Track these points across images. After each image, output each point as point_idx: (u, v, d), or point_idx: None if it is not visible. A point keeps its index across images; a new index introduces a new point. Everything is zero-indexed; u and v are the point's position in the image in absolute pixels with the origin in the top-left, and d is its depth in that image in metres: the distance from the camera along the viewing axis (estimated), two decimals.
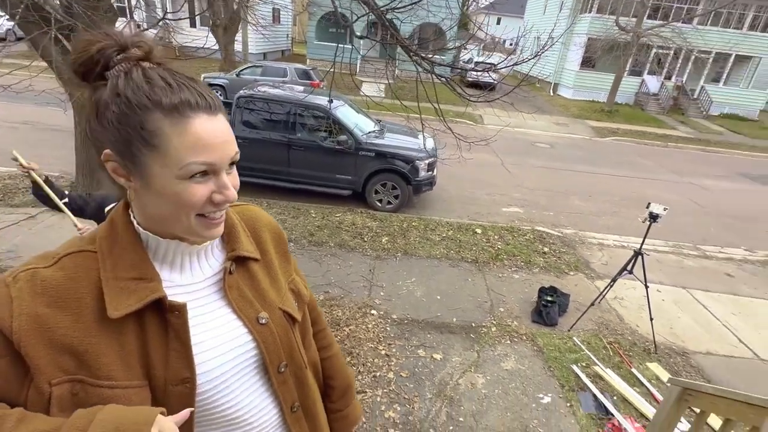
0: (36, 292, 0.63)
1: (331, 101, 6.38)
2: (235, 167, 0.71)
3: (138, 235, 0.71)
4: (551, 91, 22.12)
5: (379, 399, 2.96)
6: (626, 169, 10.73)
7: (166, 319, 0.69)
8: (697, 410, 1.88)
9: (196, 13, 11.17)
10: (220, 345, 0.74)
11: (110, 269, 0.67)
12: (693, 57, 19.87)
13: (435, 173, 6.54)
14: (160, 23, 4.14)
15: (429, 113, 3.91)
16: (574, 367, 3.47)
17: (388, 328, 3.72)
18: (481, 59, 18.12)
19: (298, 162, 6.31)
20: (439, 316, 3.98)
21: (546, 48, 3.31)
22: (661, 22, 17.51)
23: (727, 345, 4.11)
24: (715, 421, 2.92)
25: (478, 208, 6.93)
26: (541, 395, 3.19)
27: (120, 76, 0.62)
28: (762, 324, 4.53)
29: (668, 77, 20.75)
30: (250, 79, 11.59)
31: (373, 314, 3.88)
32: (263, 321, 0.78)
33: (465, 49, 4.75)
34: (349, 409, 1.09)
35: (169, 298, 0.69)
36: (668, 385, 2.03)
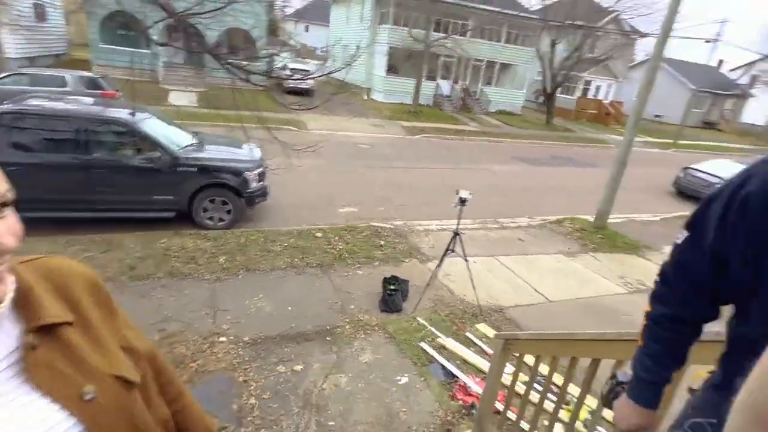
0: None
1: (133, 114, 5.60)
2: (10, 209, 0.57)
3: None
4: (365, 95, 23.78)
5: (244, 430, 2.76)
6: (436, 161, 12.29)
7: None
8: (517, 354, 2.31)
9: None
10: None
11: None
12: (471, 64, 23.94)
13: (267, 183, 6.36)
14: None
15: (249, 121, 3.78)
16: (422, 344, 3.85)
17: (241, 353, 3.49)
18: (295, 66, 18.33)
19: (100, 186, 5.35)
20: (294, 326, 3.92)
21: (355, 58, 3.56)
22: (444, 35, 20.59)
23: (527, 296, 5.11)
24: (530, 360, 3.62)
25: (316, 213, 7.02)
26: (398, 377, 3.44)
27: None
28: (545, 274, 5.77)
29: (456, 81, 24.53)
30: (15, 91, 9.26)
31: (222, 342, 3.58)
32: (89, 397, 0.64)
33: (278, 56, 4.74)
34: None
35: None
36: (494, 339, 2.43)
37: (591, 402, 1.90)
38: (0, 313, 0.61)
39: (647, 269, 6.38)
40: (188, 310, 3.95)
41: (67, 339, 0.66)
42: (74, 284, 0.73)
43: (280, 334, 3.78)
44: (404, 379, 3.42)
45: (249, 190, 6.00)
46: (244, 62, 3.59)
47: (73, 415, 0.63)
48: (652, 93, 7.23)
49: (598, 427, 2.77)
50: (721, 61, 34.75)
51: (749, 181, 0.84)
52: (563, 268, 6.06)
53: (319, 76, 3.69)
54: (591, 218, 7.86)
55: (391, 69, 22.79)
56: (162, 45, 3.16)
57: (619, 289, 5.60)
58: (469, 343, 3.97)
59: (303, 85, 16.72)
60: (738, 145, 24.97)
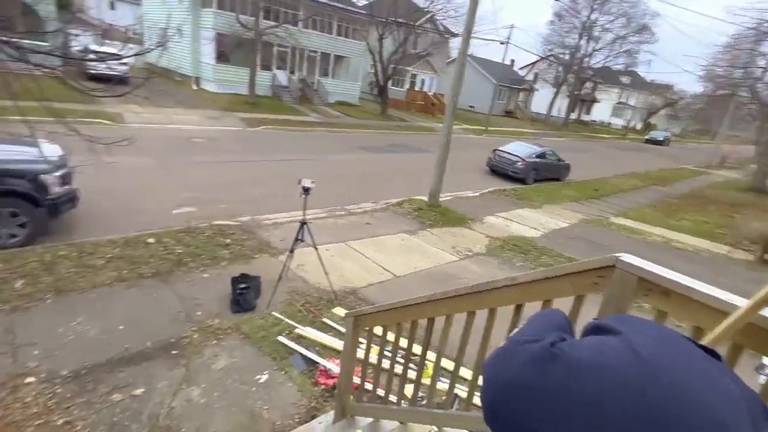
0: None
1: None
2: None
3: None
4: (194, 85, 21.69)
5: None
6: (280, 153, 12.02)
7: None
8: (367, 329, 2.46)
9: None
10: None
11: None
12: (306, 55, 23.88)
13: (74, 187, 5.33)
14: None
15: (40, 114, 3.09)
16: (280, 338, 3.79)
17: (59, 391, 2.91)
18: (101, 49, 15.58)
19: None
20: (129, 347, 3.43)
21: (168, 38, 3.22)
22: (275, 23, 20.02)
23: (377, 275, 5.45)
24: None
25: (147, 217, 6.19)
26: (258, 376, 3.33)
27: None
28: (392, 252, 6.23)
29: (293, 72, 24.19)
30: None
31: (29, 383, 2.93)
32: None
33: (73, 35, 4.00)
34: None
35: None
36: (345, 318, 2.54)
37: (431, 357, 2.15)
38: None
39: (473, 238, 7.42)
40: None
41: None
42: None
43: (111, 359, 3.27)
44: (264, 377, 3.33)
45: (49, 197, 4.94)
46: (19, 38, 2.90)
47: None
48: (464, 86, 8.35)
49: (442, 378, 3.16)
50: (513, 61, 41.83)
51: None
52: (406, 245, 6.62)
53: (129, 56, 3.23)
54: (426, 198, 8.74)
55: (222, 57, 21.25)
56: None
57: (452, 257, 6.39)
58: (327, 329, 4.06)
59: (113, 72, 14.36)
60: (530, 130, 30.61)
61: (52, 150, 5.24)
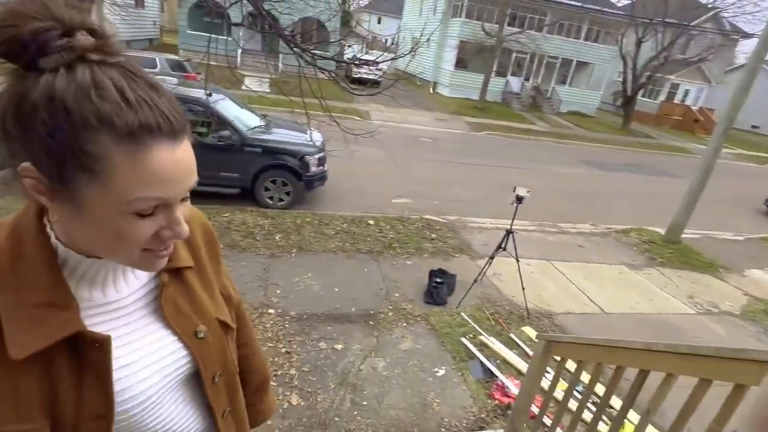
0: None
1: (210, 94, 5.98)
2: (188, 195, 0.61)
3: (53, 250, 0.57)
4: (431, 89, 23.59)
5: (281, 396, 2.90)
6: (499, 159, 11.95)
7: (82, 352, 0.57)
8: (558, 358, 2.21)
9: None
10: (151, 364, 0.66)
11: (12, 293, 0.53)
12: (545, 61, 22.90)
13: (326, 168, 6.55)
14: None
15: (315, 108, 3.89)
16: (463, 340, 3.81)
17: (287, 326, 3.65)
18: (365, 57, 18.53)
19: None
20: (338, 307, 4.03)
21: (419, 45, 3.54)
22: (519, 29, 19.83)
23: (581, 304, 4.86)
24: (572, 366, 3.46)
25: (370, 201, 7.12)
26: (436, 369, 3.43)
27: (59, 73, 0.46)
28: (604, 284, 5.45)
29: (527, 78, 23.59)
30: None
31: (270, 313, 3.77)
32: (201, 335, 0.72)
33: (348, 46, 4.84)
34: (262, 404, 1.08)
35: (89, 327, 0.58)
36: (536, 341, 2.35)
37: (633, 417, 1.78)
38: None
39: (723, 291, 5.81)
40: (243, 281, 4.19)
41: (188, 280, 0.74)
42: (197, 233, 0.79)
43: (325, 313, 3.90)
44: (441, 372, 3.41)
45: (308, 174, 6.22)
46: (313, 48, 3.71)
47: (187, 349, 0.70)
48: (748, 100, 6.52)
49: None
50: None
51: None
52: (625, 279, 5.68)
53: (383, 62, 3.72)
54: (662, 231, 7.28)
55: (460, 63, 22.38)
56: (236, 25, 3.33)
57: (686, 308, 5.15)
58: (512, 345, 3.86)
59: (370, 76, 16.92)
60: None
61: (316, 137, 6.57)
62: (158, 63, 11.88)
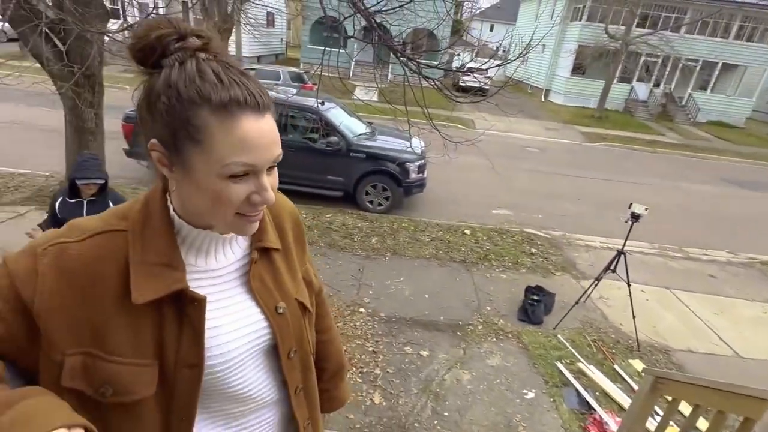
0: (62, 270, 0.65)
1: (322, 103, 6.44)
2: (276, 168, 0.72)
3: (171, 221, 0.71)
4: (543, 97, 22.40)
5: (364, 394, 2.99)
6: (615, 173, 10.89)
7: (183, 308, 0.70)
8: (669, 398, 1.94)
9: (190, 13, 11.18)
10: (237, 329, 0.76)
11: (140, 252, 0.67)
12: (681, 65, 20.24)
13: (425, 175, 6.61)
14: (150, 19, 4.17)
15: (419, 116, 3.96)
16: (558, 364, 3.54)
17: (375, 326, 3.76)
18: (473, 65, 18.30)
19: (288, 163, 6.32)
20: (427, 314, 4.03)
21: (529, 49, 3.39)
22: (650, 30, 17.83)
23: (708, 343, 4.20)
24: (686, 408, 2.99)
25: (468, 210, 7.00)
26: (525, 391, 3.24)
27: (174, 67, 0.61)
28: (741, 322, 4.63)
29: (657, 84, 21.09)
30: None
31: (361, 312, 3.92)
32: (281, 311, 0.81)
33: (456, 55, 4.84)
34: (337, 391, 1.13)
35: (192, 288, 0.70)
36: (643, 375, 2.09)
37: None
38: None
39: None
40: (338, 279, 4.42)
41: (274, 261, 0.84)
42: (286, 219, 0.90)
43: (413, 318, 3.93)
44: (531, 394, 3.21)
45: (408, 180, 6.34)
46: (421, 59, 3.78)
47: (267, 321, 0.80)
48: None
49: None
50: None
51: None
52: None
53: (488, 68, 3.64)
54: None
55: (577, 69, 20.89)
56: (349, 37, 3.55)
57: None
58: (615, 377, 3.48)
59: (476, 83, 16.65)
60: None
61: (417, 144, 6.67)
62: (281, 75, 13.15)
